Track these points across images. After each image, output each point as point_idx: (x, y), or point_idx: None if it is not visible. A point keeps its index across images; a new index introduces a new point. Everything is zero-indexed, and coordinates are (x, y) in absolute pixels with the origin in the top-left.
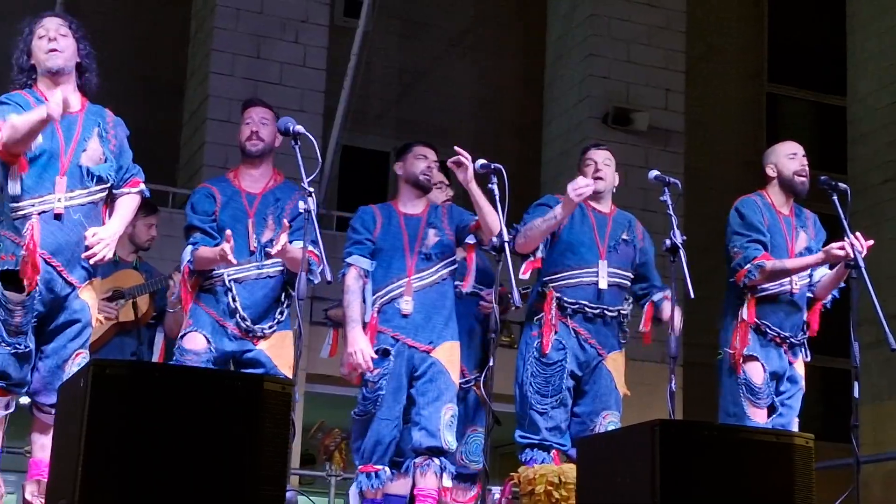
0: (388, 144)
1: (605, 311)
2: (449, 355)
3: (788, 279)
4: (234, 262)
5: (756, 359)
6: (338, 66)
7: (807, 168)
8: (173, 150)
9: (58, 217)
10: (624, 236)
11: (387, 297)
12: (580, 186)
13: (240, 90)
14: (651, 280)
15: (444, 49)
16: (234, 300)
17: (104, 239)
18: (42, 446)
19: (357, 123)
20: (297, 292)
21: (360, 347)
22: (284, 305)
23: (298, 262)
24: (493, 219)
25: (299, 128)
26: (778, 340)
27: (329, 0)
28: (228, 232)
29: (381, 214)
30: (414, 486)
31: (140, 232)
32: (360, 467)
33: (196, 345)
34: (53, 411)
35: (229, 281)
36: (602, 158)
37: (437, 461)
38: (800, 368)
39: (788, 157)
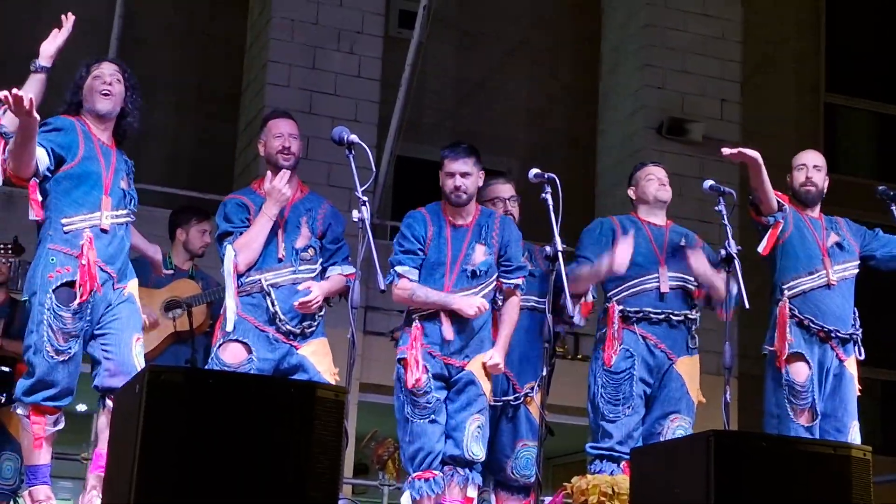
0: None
1: (671, 316)
2: (480, 368)
3: (824, 271)
4: (287, 193)
5: (801, 357)
6: (392, 76)
7: (812, 178)
8: (229, 159)
9: (104, 231)
10: (682, 243)
11: (426, 313)
12: (620, 265)
13: (295, 101)
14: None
15: (499, 59)
16: (273, 304)
17: None
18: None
19: (412, 133)
20: (350, 301)
21: (474, 302)
22: (322, 311)
23: (339, 288)
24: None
25: (353, 137)
26: (822, 335)
27: (384, 11)
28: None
29: (433, 223)
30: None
31: (193, 238)
32: (415, 474)
33: (234, 357)
34: None
35: (267, 286)
36: (663, 174)
37: (461, 471)
38: (851, 367)
39: (797, 170)
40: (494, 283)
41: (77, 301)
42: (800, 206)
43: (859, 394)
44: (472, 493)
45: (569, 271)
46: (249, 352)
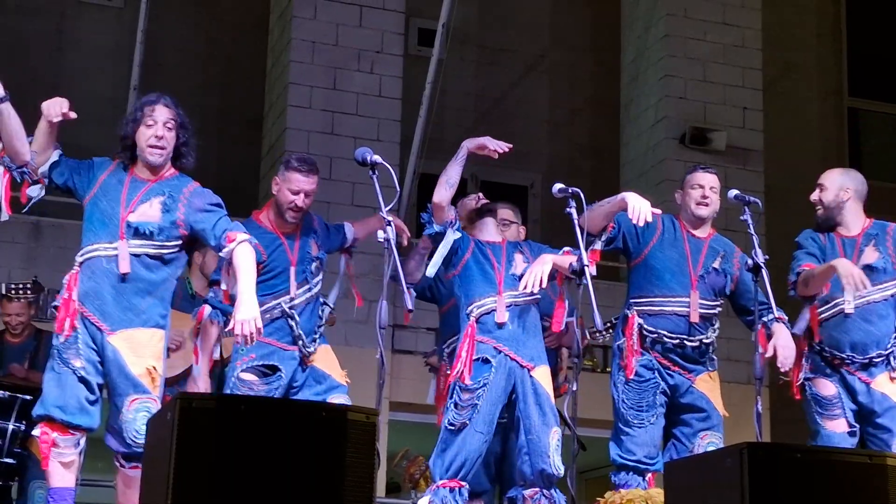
0: (466, 171)
1: (686, 342)
2: (547, 378)
3: (843, 300)
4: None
5: (824, 375)
6: (413, 94)
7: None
8: (252, 183)
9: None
10: (715, 265)
11: (484, 308)
12: (642, 214)
13: (317, 122)
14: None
15: (519, 74)
16: (297, 326)
17: None
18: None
19: (435, 151)
20: (378, 321)
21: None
22: (322, 320)
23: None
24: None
25: (376, 157)
26: (836, 362)
27: (403, 30)
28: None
29: (467, 238)
30: None
31: (210, 263)
32: (441, 482)
33: (253, 380)
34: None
35: (290, 310)
36: (710, 183)
37: (547, 493)
38: (882, 387)
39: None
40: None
41: (63, 337)
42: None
43: None
44: None
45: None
46: (276, 370)
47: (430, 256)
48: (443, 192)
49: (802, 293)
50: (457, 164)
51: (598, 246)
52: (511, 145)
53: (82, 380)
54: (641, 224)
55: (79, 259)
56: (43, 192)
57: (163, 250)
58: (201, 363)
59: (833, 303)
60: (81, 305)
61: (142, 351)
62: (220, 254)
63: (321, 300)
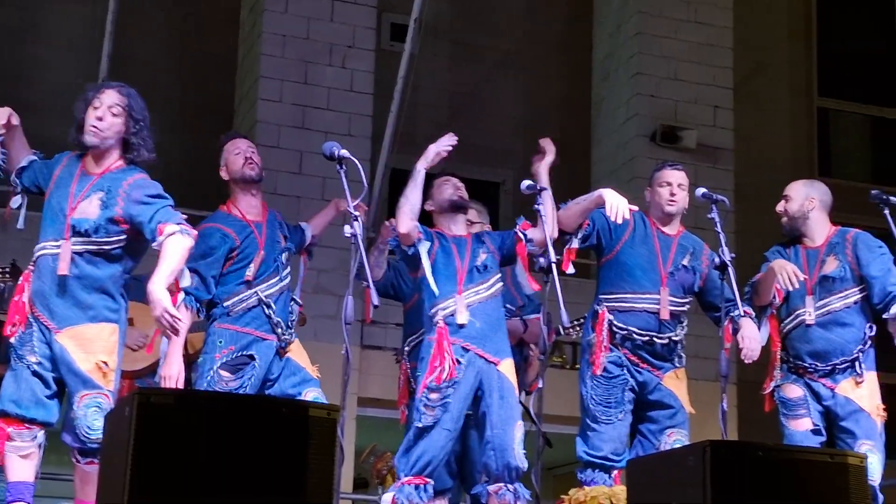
0: (438, 168)
1: (655, 339)
2: (512, 372)
3: (804, 310)
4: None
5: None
6: (385, 90)
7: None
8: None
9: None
10: (685, 262)
11: (447, 311)
12: (620, 210)
13: (288, 116)
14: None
15: (491, 70)
16: (273, 314)
17: None
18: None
19: (407, 146)
20: (344, 316)
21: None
22: (293, 315)
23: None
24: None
25: (344, 152)
26: (800, 371)
27: (375, 25)
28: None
29: (433, 233)
30: None
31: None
32: (406, 478)
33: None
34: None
35: (266, 298)
36: (678, 180)
37: (511, 487)
38: (847, 391)
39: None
40: (500, 280)
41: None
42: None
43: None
44: None
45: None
46: (252, 359)
47: (391, 252)
48: (408, 223)
49: (757, 303)
50: (416, 188)
51: (575, 244)
52: (456, 137)
53: (37, 374)
54: (620, 221)
55: (33, 258)
56: (21, 200)
57: (105, 247)
58: (173, 345)
59: (794, 314)
60: (31, 305)
61: (90, 346)
62: (153, 246)
63: (291, 297)
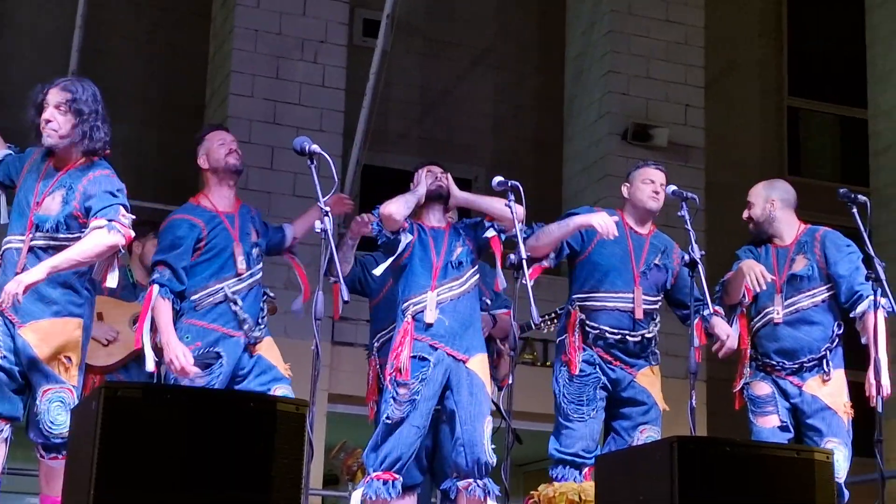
0: (410, 163)
1: (627, 337)
2: (482, 367)
3: (773, 308)
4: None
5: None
6: (357, 85)
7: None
8: (193, 171)
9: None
10: (657, 261)
11: (419, 307)
12: (610, 230)
13: (259, 111)
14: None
15: (464, 67)
16: (241, 311)
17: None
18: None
19: (378, 142)
20: (314, 312)
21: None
22: (264, 312)
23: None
24: (496, 205)
25: (315, 147)
26: (768, 369)
27: (347, 20)
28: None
29: (414, 226)
30: None
31: (149, 252)
32: (374, 473)
33: (204, 365)
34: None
35: (232, 294)
36: (660, 179)
37: (482, 483)
38: (814, 389)
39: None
40: (476, 273)
41: None
42: (766, 239)
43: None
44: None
45: (537, 228)
46: (218, 357)
47: (358, 247)
48: (402, 209)
49: (727, 302)
50: (416, 197)
51: (548, 263)
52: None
53: (2, 368)
54: (612, 238)
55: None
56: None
57: (66, 243)
58: (165, 334)
59: (763, 312)
60: None
61: (53, 340)
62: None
63: (262, 291)
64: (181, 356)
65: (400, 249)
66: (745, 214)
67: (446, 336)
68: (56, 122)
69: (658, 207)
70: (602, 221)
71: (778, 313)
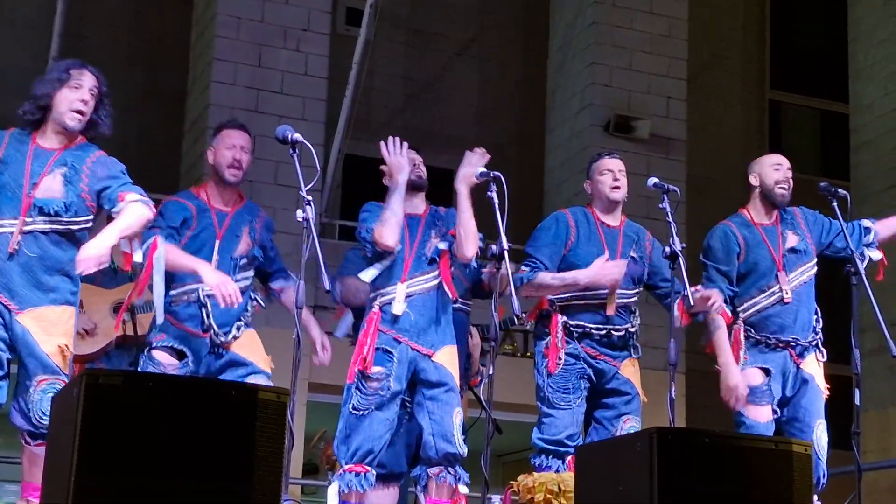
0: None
1: (612, 332)
2: (451, 359)
3: (779, 288)
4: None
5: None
6: (340, 74)
7: (790, 180)
8: (174, 159)
9: None
10: (632, 253)
11: (386, 299)
12: (614, 279)
13: (241, 99)
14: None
15: (448, 58)
16: (208, 316)
17: None
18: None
19: (361, 132)
20: (295, 300)
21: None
22: (249, 313)
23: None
24: (470, 239)
25: (297, 136)
26: (781, 346)
27: (330, 9)
28: None
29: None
30: (427, 496)
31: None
32: (347, 466)
33: (169, 360)
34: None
35: (204, 297)
36: (618, 167)
37: (452, 471)
38: (811, 368)
39: (773, 168)
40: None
41: None
42: (764, 211)
43: (828, 392)
44: (464, 489)
45: (525, 277)
46: (184, 356)
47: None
48: (396, 238)
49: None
50: (401, 200)
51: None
52: None
53: None
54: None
55: None
56: None
57: (72, 226)
58: (197, 265)
59: (769, 292)
60: None
61: (52, 329)
62: (112, 212)
63: (251, 295)
64: (225, 284)
65: (384, 262)
66: (789, 177)
67: (411, 331)
68: (89, 106)
69: (621, 196)
70: (610, 279)
71: (787, 293)
